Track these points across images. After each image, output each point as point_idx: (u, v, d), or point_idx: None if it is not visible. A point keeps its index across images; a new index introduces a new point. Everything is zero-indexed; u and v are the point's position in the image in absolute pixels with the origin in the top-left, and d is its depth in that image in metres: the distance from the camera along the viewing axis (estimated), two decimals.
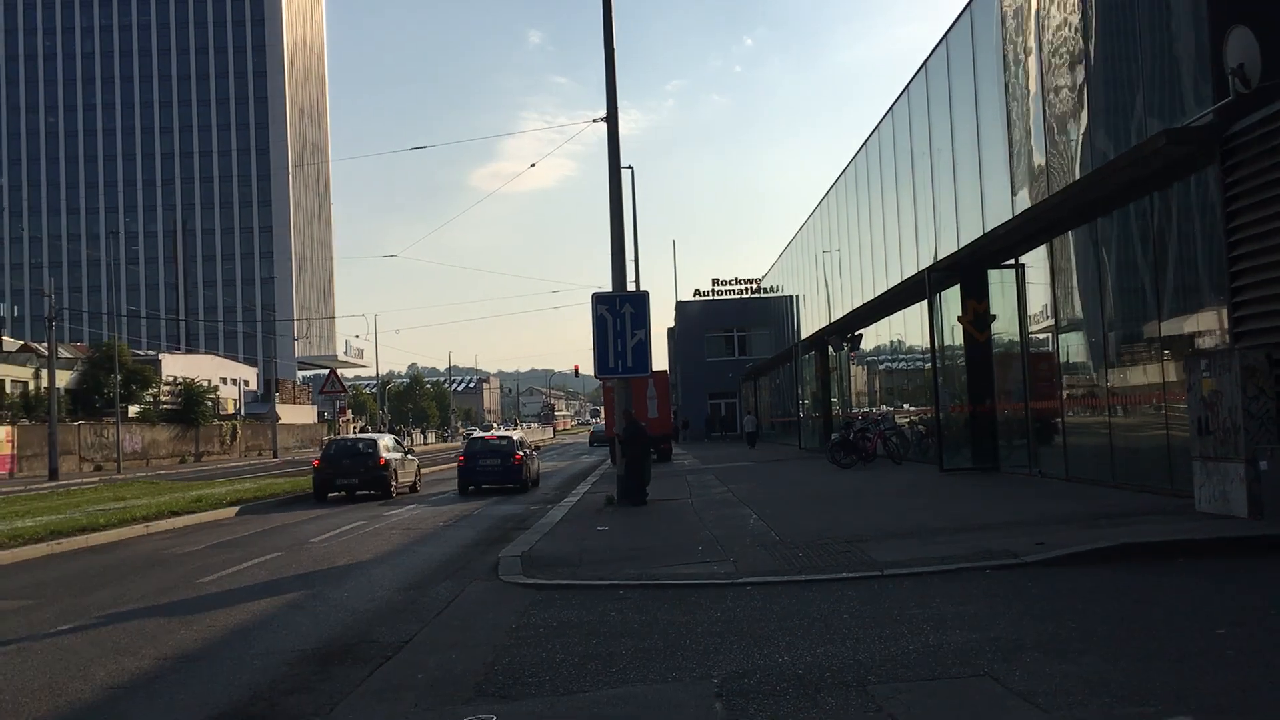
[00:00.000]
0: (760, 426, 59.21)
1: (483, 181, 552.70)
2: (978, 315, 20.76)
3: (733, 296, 68.33)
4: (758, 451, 40.53)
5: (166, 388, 67.18)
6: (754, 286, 66.55)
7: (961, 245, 20.20)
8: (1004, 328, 20.30)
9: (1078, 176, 15.34)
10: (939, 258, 21.85)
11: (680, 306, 71.08)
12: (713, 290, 69.36)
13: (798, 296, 42.26)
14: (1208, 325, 12.98)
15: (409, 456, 29.65)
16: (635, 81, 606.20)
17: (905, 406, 28.97)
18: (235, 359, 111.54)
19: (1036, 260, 18.70)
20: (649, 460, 20.34)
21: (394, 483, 26.85)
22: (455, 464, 30.08)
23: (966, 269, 20.79)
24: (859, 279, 29.95)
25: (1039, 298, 18.73)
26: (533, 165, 24.73)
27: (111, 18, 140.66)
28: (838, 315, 32.50)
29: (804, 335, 39.69)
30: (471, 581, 11.91)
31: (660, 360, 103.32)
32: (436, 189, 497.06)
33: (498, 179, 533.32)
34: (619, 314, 20.19)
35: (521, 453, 27.51)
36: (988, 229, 18.71)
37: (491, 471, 27.49)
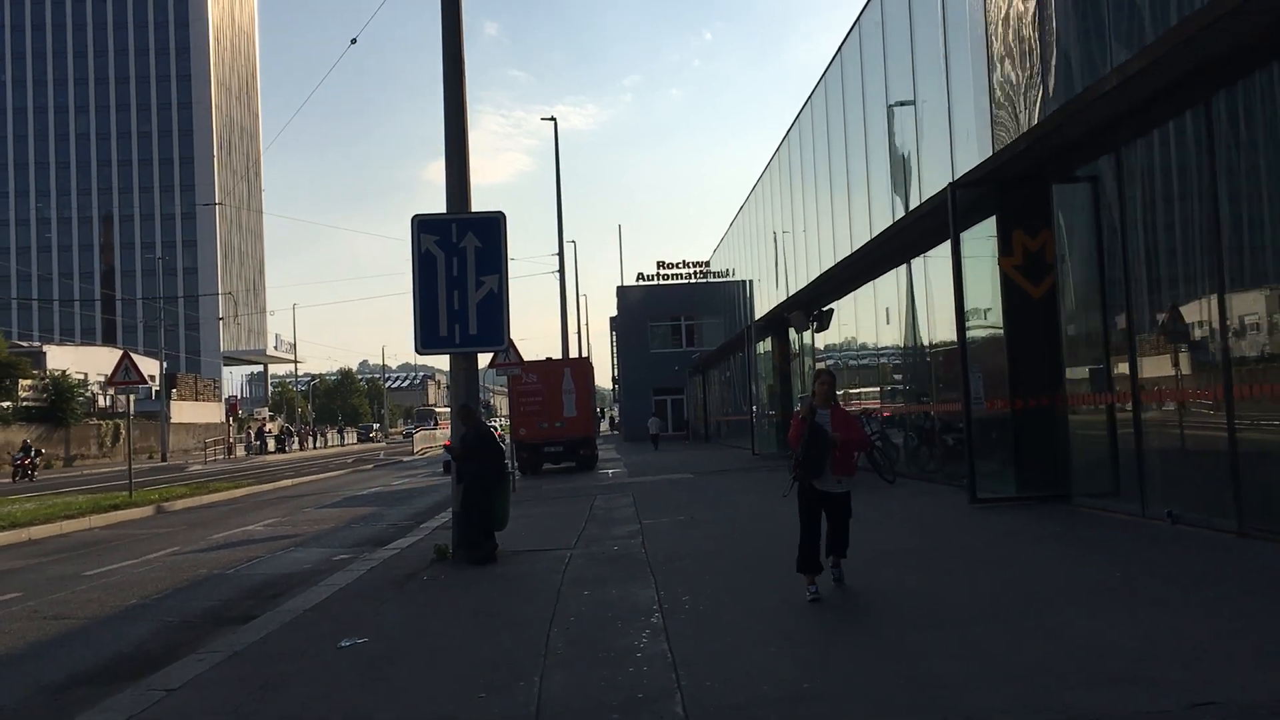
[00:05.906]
0: (703, 426, 51.84)
1: (438, 176, 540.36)
2: (1030, 256, 13.08)
3: (680, 281, 60.10)
4: (702, 456, 32.65)
5: (28, 383, 58.01)
6: (703, 270, 58.54)
7: (1001, 145, 12.41)
8: (1077, 274, 12.63)
9: None
10: (959, 175, 14.05)
11: (621, 292, 62.79)
12: (657, 274, 60.98)
13: (752, 281, 34.38)
14: None
15: None
16: (592, 77, 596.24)
17: (900, 403, 21.41)
18: (155, 354, 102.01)
19: (1151, 152, 11.06)
20: (505, 487, 12.45)
21: None
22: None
23: (1009, 186, 13.16)
24: (830, 233, 22.17)
25: (1150, 218, 11.12)
26: (353, 41, 16.69)
27: None
28: (802, 284, 24.74)
29: (758, 316, 31.91)
30: None
31: (603, 354, 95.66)
32: (390, 184, 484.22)
33: None
34: (457, 250, 12.35)
35: None
36: (1070, 96, 10.95)
37: None
